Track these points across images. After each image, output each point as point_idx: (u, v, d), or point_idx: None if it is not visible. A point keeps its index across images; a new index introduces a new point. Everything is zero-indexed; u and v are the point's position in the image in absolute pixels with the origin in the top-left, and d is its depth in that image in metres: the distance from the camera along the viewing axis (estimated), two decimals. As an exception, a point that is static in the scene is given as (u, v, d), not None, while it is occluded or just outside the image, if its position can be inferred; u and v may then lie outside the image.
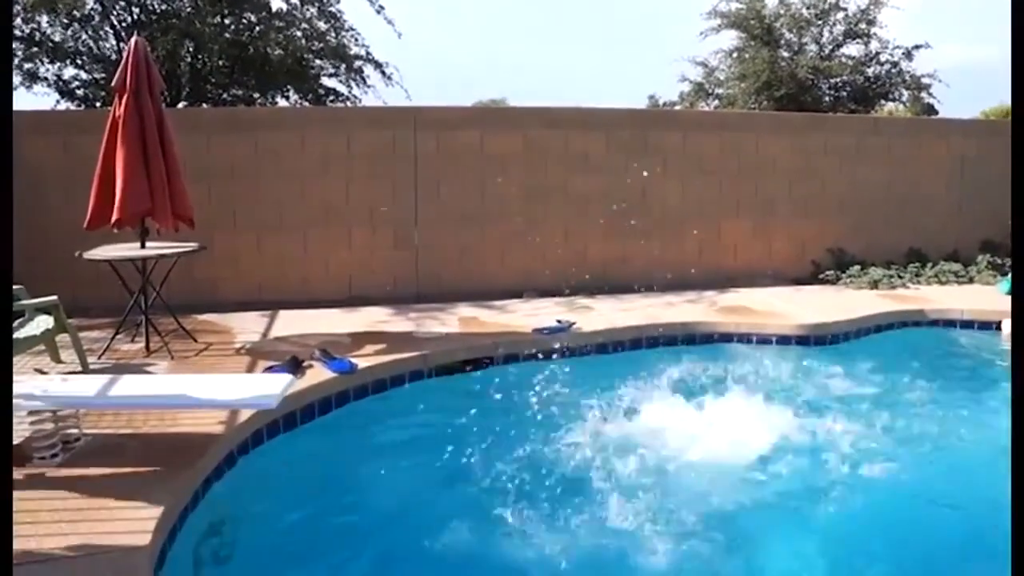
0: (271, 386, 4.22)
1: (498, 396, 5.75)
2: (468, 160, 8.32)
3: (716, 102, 19.68)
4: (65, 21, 12.98)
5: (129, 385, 4.26)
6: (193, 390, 4.33)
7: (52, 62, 13.35)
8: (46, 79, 13.48)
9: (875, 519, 4.14)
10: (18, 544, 3.07)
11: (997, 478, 2.34)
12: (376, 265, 8.21)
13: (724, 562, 3.79)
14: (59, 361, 5.52)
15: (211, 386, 4.46)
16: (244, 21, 14.02)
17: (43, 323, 5.28)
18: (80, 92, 13.80)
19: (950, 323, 7.40)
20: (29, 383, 4.30)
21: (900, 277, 8.80)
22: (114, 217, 5.80)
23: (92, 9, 13.15)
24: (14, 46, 12.71)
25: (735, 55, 18.46)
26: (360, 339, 6.31)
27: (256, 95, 14.53)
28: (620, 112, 9.14)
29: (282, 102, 14.81)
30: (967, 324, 7.33)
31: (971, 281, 8.82)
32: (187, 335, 6.30)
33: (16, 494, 3.57)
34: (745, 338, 6.84)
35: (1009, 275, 7.94)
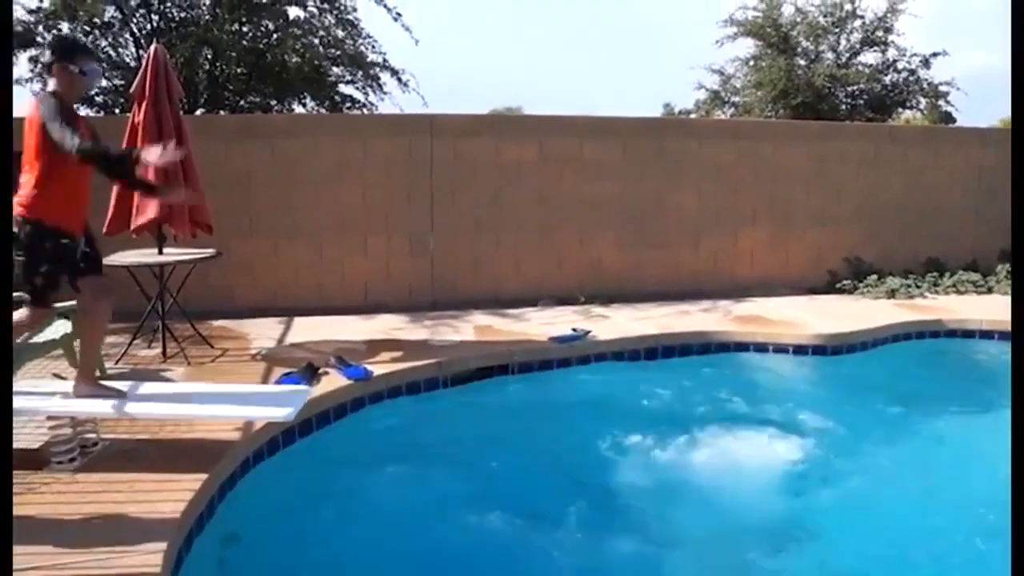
0: (288, 400, 4.22)
1: (514, 404, 5.76)
2: (483, 168, 8.33)
3: (732, 110, 19.64)
4: (86, 28, 13.10)
5: (147, 395, 4.26)
6: (210, 401, 4.32)
7: (72, 69, 13.46)
8: (66, 86, 13.59)
9: (884, 528, 4.11)
10: (32, 548, 3.09)
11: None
12: (391, 272, 8.23)
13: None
14: (77, 366, 5.54)
15: (228, 397, 4.45)
16: (262, 29, 14.12)
17: (62, 328, 5.31)
18: (100, 99, 13.92)
19: (969, 334, 7.33)
20: (49, 388, 4.33)
21: (918, 287, 8.74)
22: (133, 223, 5.85)
23: (112, 17, 13.28)
24: (36, 53, 12.87)
25: (751, 63, 18.42)
26: (375, 346, 6.33)
27: (273, 102, 14.62)
28: (635, 120, 9.13)
29: (299, 109, 14.89)
30: (986, 334, 7.26)
31: (990, 291, 8.75)
32: (203, 341, 6.33)
33: (32, 498, 3.60)
34: (761, 348, 6.80)
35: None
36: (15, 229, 3.96)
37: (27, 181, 4.01)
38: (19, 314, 4.06)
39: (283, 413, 4.08)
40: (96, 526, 3.37)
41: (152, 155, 3.97)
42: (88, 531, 3.32)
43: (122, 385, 4.35)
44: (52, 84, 4.13)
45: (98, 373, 5.32)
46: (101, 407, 4.06)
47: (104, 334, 4.64)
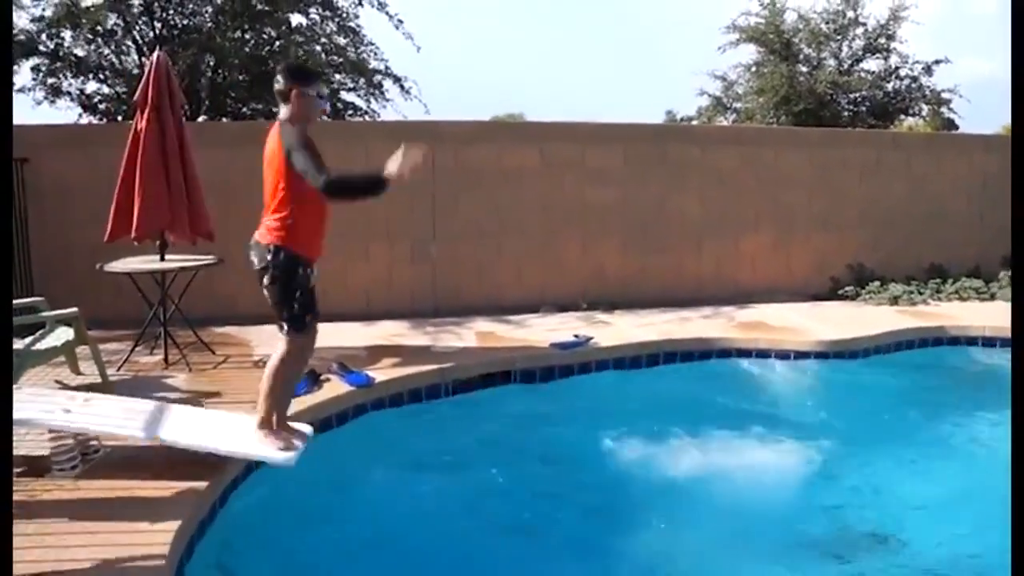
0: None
1: (516, 411, 5.76)
2: (485, 174, 8.32)
3: (734, 116, 19.63)
4: (88, 36, 13.12)
5: (152, 417, 4.19)
6: (211, 432, 4.21)
7: (75, 77, 13.50)
8: (69, 93, 13.63)
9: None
10: (35, 555, 3.09)
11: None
12: (394, 279, 8.22)
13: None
14: (78, 373, 5.56)
15: (233, 428, 4.30)
16: (264, 36, 14.13)
17: (63, 335, 5.32)
18: (102, 106, 13.94)
19: (971, 340, 7.31)
20: (52, 400, 4.32)
21: (920, 293, 8.72)
22: (133, 231, 5.86)
23: (115, 24, 13.30)
24: (39, 61, 12.90)
25: (754, 69, 18.42)
26: (377, 353, 6.32)
27: (275, 109, 14.61)
28: (638, 127, 9.13)
29: (301, 116, 14.88)
30: (989, 341, 7.24)
31: (992, 298, 8.73)
32: (205, 347, 6.33)
33: (33, 504, 3.59)
34: (763, 354, 6.78)
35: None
36: (267, 257, 3.89)
37: (273, 210, 3.97)
38: (282, 346, 3.99)
39: (283, 457, 3.99)
40: (97, 532, 3.36)
41: (397, 166, 3.85)
42: (89, 537, 3.31)
43: (125, 404, 4.29)
44: (286, 111, 4.05)
45: (100, 380, 5.32)
46: (102, 426, 4.04)
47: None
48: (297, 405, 4.73)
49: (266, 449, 4.03)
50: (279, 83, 4.07)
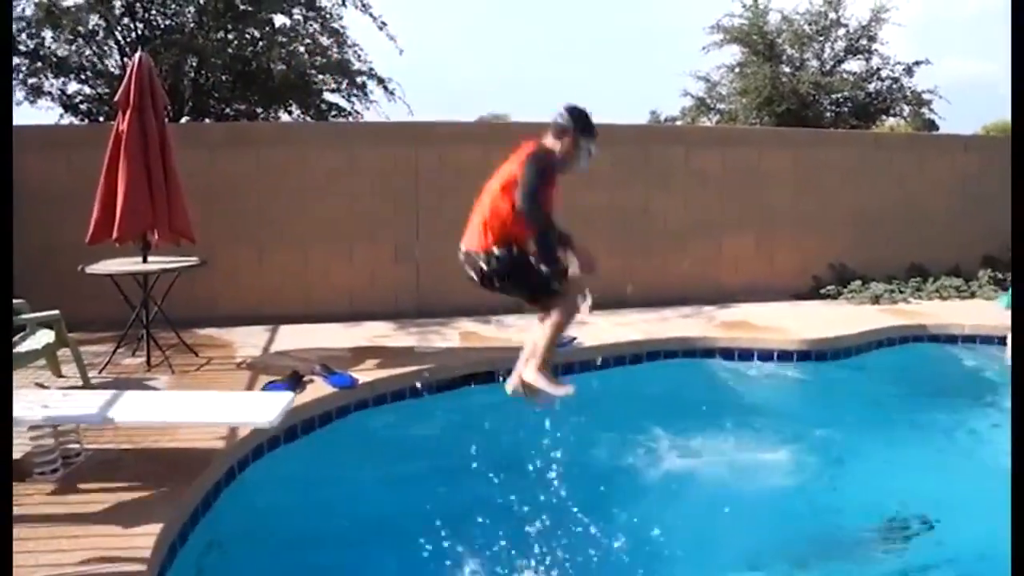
0: (271, 405, 4.21)
1: (498, 411, 5.75)
2: (471, 176, 8.23)
3: (717, 117, 19.71)
4: (69, 37, 13.04)
5: (129, 402, 4.24)
6: (193, 407, 4.32)
7: (56, 77, 13.41)
8: (50, 94, 13.54)
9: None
10: (16, 561, 3.06)
11: (995, 496, 2.34)
12: (377, 280, 8.21)
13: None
14: (60, 375, 5.52)
15: (211, 403, 4.45)
16: (247, 36, 14.07)
17: (44, 337, 5.28)
18: (83, 107, 13.85)
19: (952, 338, 7.38)
20: (30, 398, 4.30)
21: (901, 292, 8.79)
22: (115, 233, 5.82)
23: (96, 25, 13.22)
24: (19, 61, 12.80)
25: (737, 70, 18.51)
26: (361, 354, 6.31)
27: (259, 110, 14.57)
28: (623, 127, 9.15)
29: (284, 117, 14.84)
30: (968, 339, 7.31)
31: (972, 296, 8.82)
32: (188, 349, 6.31)
33: (14, 509, 3.57)
34: (746, 353, 6.82)
35: (1010, 290, 7.91)
36: (481, 265, 4.03)
37: (499, 211, 4.06)
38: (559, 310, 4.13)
39: (267, 419, 4.06)
40: (78, 536, 3.35)
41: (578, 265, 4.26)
42: (70, 541, 3.30)
43: (105, 395, 4.30)
44: (552, 142, 4.18)
45: (81, 382, 5.29)
46: (86, 414, 4.03)
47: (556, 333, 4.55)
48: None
49: (542, 383, 4.41)
50: (562, 119, 4.21)
